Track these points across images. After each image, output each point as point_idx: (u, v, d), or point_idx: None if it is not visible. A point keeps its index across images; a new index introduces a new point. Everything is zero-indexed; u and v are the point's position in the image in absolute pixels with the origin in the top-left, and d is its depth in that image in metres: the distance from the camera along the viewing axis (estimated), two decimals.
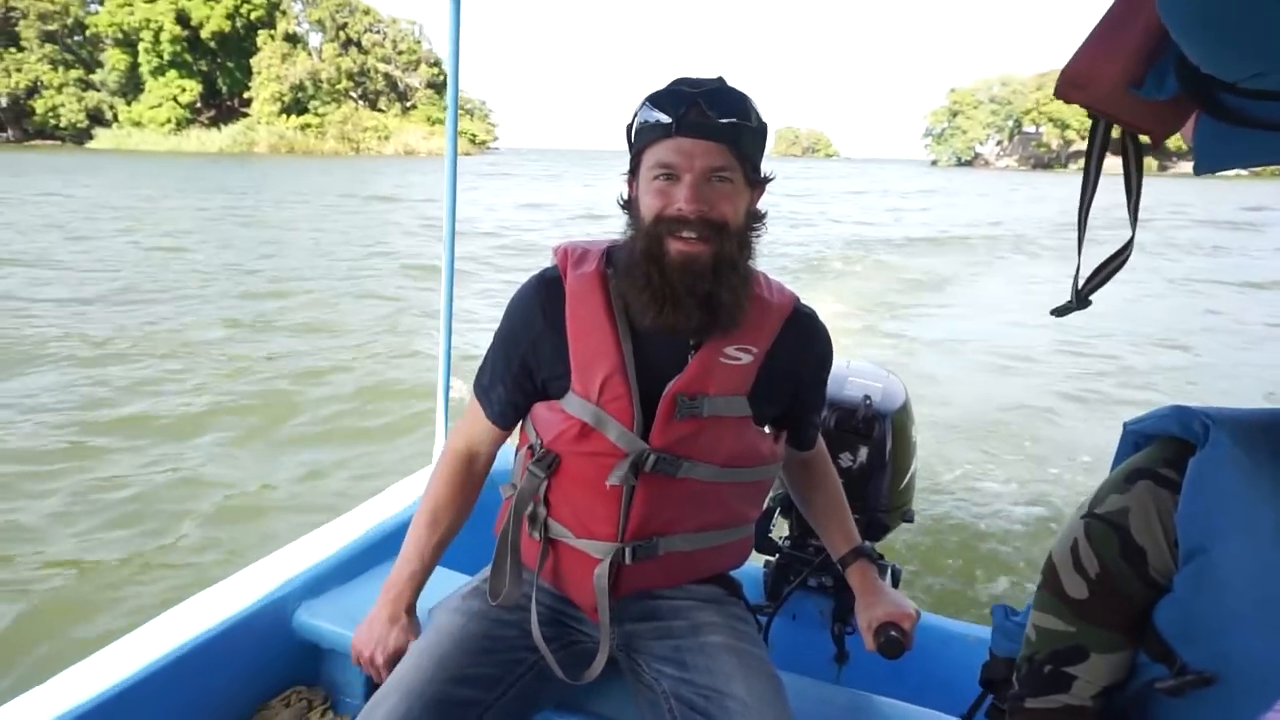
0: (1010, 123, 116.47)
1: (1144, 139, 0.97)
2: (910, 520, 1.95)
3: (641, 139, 1.21)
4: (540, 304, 1.28)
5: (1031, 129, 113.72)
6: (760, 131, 1.22)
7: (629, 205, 1.25)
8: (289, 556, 1.67)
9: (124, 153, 59.54)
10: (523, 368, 1.30)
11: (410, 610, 1.41)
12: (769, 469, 1.35)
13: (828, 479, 1.53)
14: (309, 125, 73.36)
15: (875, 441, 1.83)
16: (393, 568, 1.42)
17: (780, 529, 1.95)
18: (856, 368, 1.98)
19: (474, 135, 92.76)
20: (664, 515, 1.27)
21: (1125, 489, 0.97)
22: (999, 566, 3.88)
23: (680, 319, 1.17)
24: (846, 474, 1.74)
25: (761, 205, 1.29)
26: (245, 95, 75.14)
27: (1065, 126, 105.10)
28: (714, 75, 1.22)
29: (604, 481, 1.22)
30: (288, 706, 1.57)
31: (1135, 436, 1.04)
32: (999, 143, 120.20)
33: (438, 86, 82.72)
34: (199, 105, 72.60)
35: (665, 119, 1.17)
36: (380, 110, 79.44)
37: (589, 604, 1.31)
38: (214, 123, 73.46)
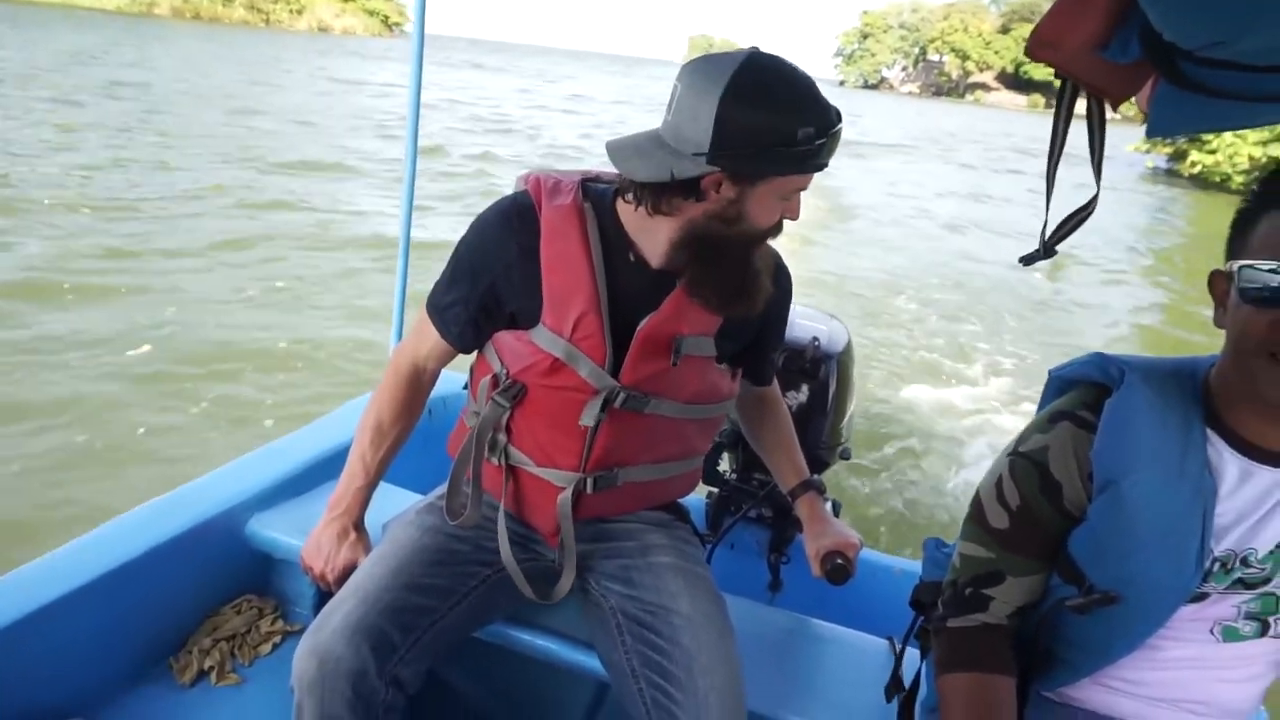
0: (916, 49, 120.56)
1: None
2: (847, 458, 2.04)
3: (783, 164, 1.11)
4: (513, 232, 1.24)
5: (935, 57, 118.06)
6: None
7: (698, 190, 1.13)
8: (242, 469, 1.70)
9: (12, 1, 55.45)
10: (489, 293, 1.26)
11: (359, 525, 1.43)
12: (726, 405, 1.38)
13: (780, 414, 1.56)
14: None
15: (820, 381, 1.92)
16: (337, 484, 1.43)
17: (724, 463, 2.05)
18: (801, 310, 2.02)
19: (385, 16, 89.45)
20: (626, 448, 1.29)
21: (1047, 429, 1.03)
22: (926, 503, 4.22)
23: (744, 306, 1.22)
24: (791, 412, 1.77)
25: None
26: None
27: (965, 58, 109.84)
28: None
29: (570, 415, 1.23)
30: (238, 614, 1.60)
31: (1059, 382, 1.11)
32: (904, 68, 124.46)
33: None
34: None
35: (821, 162, 1.13)
36: None
37: (548, 529, 1.33)
38: None
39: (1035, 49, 0.94)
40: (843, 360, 1.96)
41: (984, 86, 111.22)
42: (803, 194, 1.19)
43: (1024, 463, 1.04)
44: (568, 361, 1.21)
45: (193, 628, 1.55)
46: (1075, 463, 1.01)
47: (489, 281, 1.25)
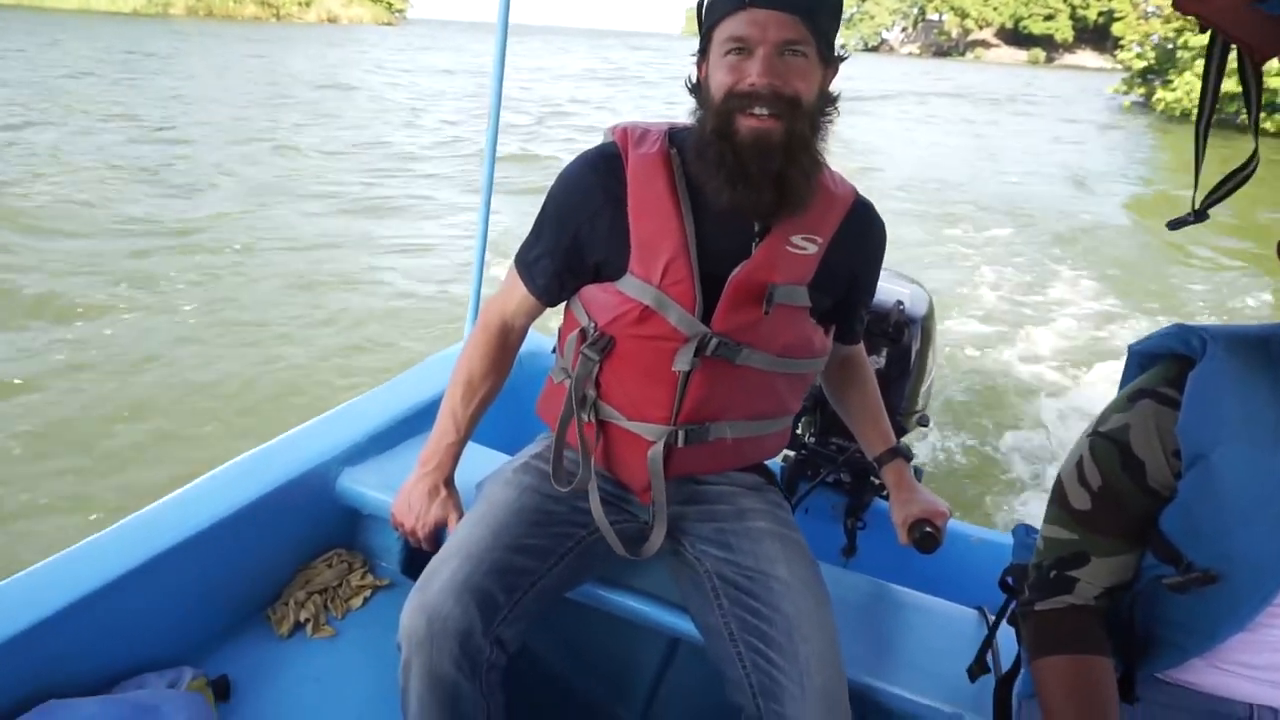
0: (915, 10, 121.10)
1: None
2: (926, 424, 2.02)
3: (713, 14, 1.16)
4: (600, 180, 1.24)
5: (935, 16, 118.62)
6: (837, 6, 1.20)
7: (698, 88, 1.21)
8: (330, 424, 1.72)
9: (29, 8, 57.48)
10: (575, 243, 1.26)
11: (449, 482, 1.44)
12: (818, 361, 1.35)
13: (867, 378, 1.54)
14: None
15: (902, 346, 1.89)
16: (428, 439, 1.44)
17: (801, 426, 2.03)
18: (892, 277, 2.00)
19: (390, 3, 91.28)
20: (718, 401, 1.27)
21: (1128, 408, 1.00)
22: (1005, 473, 4.17)
23: (751, 198, 1.16)
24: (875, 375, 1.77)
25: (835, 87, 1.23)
26: None
27: (965, 15, 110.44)
28: None
29: (660, 365, 1.22)
30: (330, 567, 1.63)
31: (1139, 358, 1.07)
32: (904, 29, 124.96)
33: None
34: None
35: None
36: None
37: (639, 485, 1.33)
38: None
39: (1184, 1, 0.88)
40: (925, 325, 1.94)
41: (984, 44, 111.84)
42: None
43: (1104, 443, 1.01)
44: (657, 309, 1.19)
45: (286, 580, 1.59)
46: (1159, 440, 0.96)
47: (574, 231, 1.26)
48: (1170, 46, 24.58)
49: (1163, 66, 25.70)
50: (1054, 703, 1.00)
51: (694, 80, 1.23)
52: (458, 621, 1.13)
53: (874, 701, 1.31)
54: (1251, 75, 0.95)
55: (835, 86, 1.24)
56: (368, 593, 1.63)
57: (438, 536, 1.39)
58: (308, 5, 75.08)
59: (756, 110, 1.12)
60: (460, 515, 1.41)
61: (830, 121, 1.22)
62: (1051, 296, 7.53)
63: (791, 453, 1.99)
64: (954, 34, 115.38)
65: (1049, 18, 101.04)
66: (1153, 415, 0.98)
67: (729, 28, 1.14)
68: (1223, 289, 8.18)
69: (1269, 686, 1.01)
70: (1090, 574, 1.04)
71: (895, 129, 20.21)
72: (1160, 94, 24.63)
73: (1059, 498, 1.07)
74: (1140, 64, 27.79)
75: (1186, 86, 22.38)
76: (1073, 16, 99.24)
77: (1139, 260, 9.21)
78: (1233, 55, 0.97)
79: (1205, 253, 9.34)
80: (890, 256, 1.45)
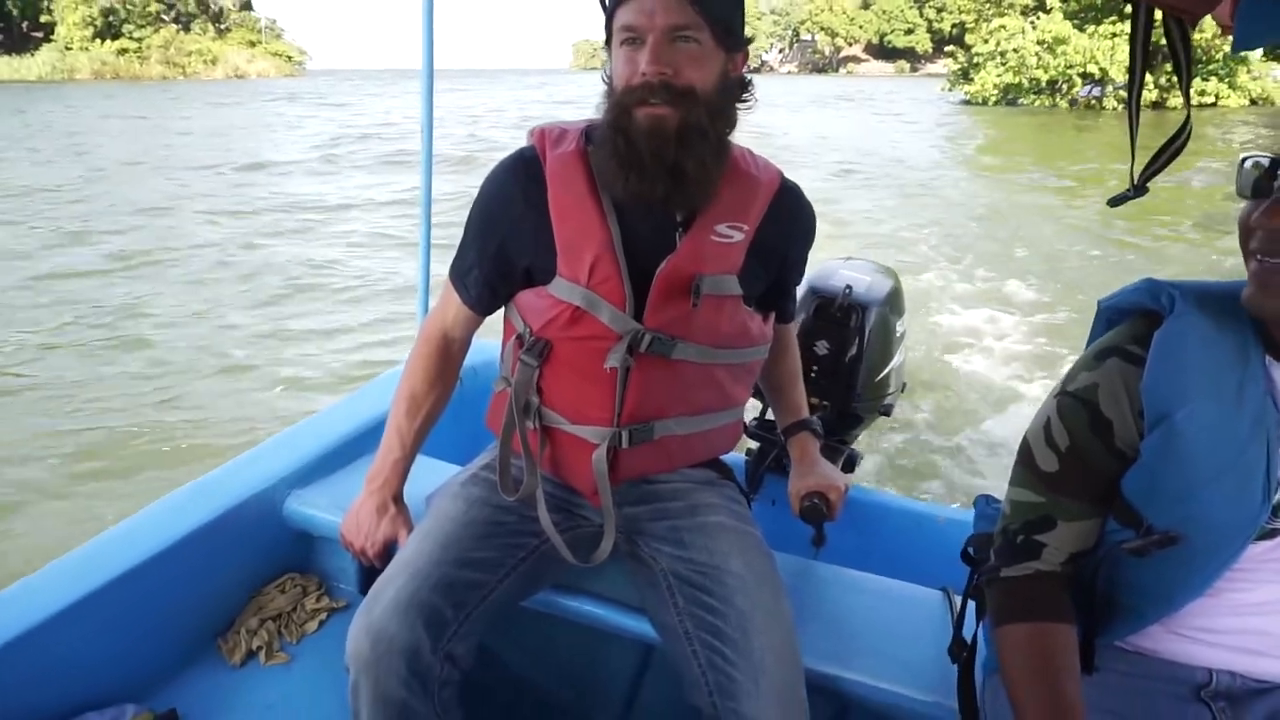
0: (790, 32, 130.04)
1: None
2: (888, 414, 1.98)
3: (612, 3, 1.16)
4: (519, 185, 1.24)
5: (808, 37, 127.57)
6: None
7: (608, 80, 1.20)
8: (277, 446, 1.69)
9: None
10: (501, 251, 1.26)
11: (398, 499, 1.42)
12: (759, 349, 1.35)
13: (788, 352, 1.54)
14: (126, 50, 73.16)
15: (851, 331, 1.85)
16: (374, 457, 1.42)
17: (749, 412, 1.92)
18: (852, 263, 2.00)
19: (289, 56, 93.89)
20: (658, 398, 1.27)
21: (1095, 366, 0.98)
22: (982, 454, 4.18)
23: (645, 187, 1.14)
24: (820, 361, 1.75)
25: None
26: (41, 20, 73.40)
27: (834, 34, 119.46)
28: None
29: (597, 366, 1.21)
30: (283, 592, 1.59)
31: (1108, 313, 1.05)
32: (781, 50, 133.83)
33: (249, 6, 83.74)
34: None
35: None
36: (196, 33, 79.69)
37: (588, 488, 1.31)
38: (5, 50, 71.64)
39: None
40: (880, 310, 1.88)
41: (855, 59, 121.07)
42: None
43: (1072, 402, 0.99)
44: (588, 309, 1.19)
45: (239, 608, 1.55)
46: (1127, 398, 0.95)
47: (500, 238, 1.25)
48: (976, 57, 31.17)
49: (967, 69, 32.37)
50: (1014, 670, 0.98)
51: (606, 71, 1.21)
52: (403, 640, 1.11)
53: (835, 691, 1.29)
54: (1179, 41, 0.92)
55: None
56: (323, 616, 1.58)
57: (389, 554, 1.35)
58: (213, 63, 77.33)
59: (651, 101, 1.11)
60: (410, 531, 1.38)
61: (747, 107, 1.23)
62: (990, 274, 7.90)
63: (755, 444, 1.93)
64: (827, 51, 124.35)
65: (909, 32, 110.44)
66: (1119, 374, 0.96)
67: (621, 16, 1.13)
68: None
69: (1228, 651, 0.99)
70: (1057, 539, 1.01)
71: (810, 121, 25.82)
72: (965, 87, 31.55)
73: (1025, 459, 1.03)
74: (957, 67, 34.99)
75: (982, 80, 28.89)
76: (930, 30, 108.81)
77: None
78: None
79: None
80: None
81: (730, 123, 1.22)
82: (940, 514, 1.88)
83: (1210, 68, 25.53)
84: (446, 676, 1.15)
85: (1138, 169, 1.00)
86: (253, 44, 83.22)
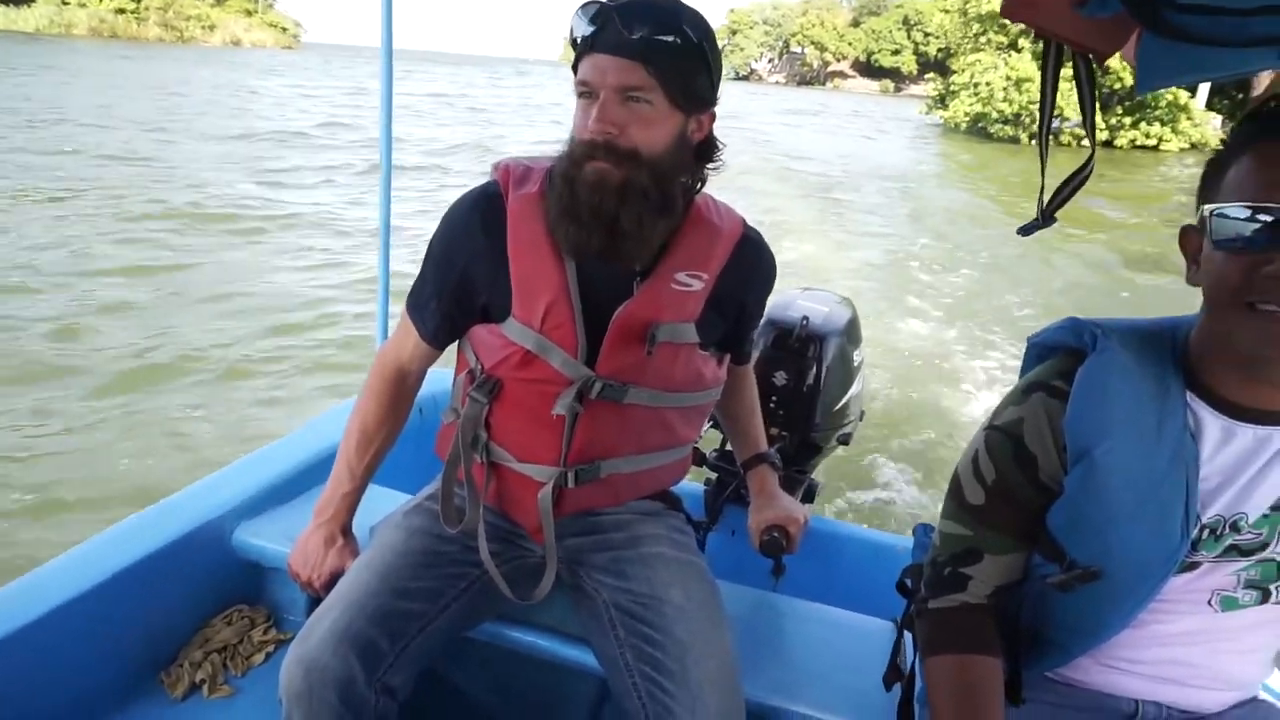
0: (780, 43, 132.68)
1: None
2: (846, 443, 1.99)
3: (575, 55, 1.17)
4: (480, 222, 1.24)
5: (798, 49, 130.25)
6: (693, 50, 1.16)
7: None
8: (227, 477, 1.67)
9: None
10: (460, 285, 1.26)
11: (346, 530, 1.42)
12: (710, 393, 1.36)
13: (745, 386, 1.56)
14: (124, 10, 73.51)
15: (809, 361, 1.87)
16: (324, 489, 1.42)
17: (709, 443, 1.94)
18: (810, 294, 2.02)
19: (285, 28, 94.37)
20: (607, 440, 1.27)
21: (1021, 401, 1.00)
22: (940, 481, 4.00)
23: (582, 238, 1.15)
24: (779, 392, 1.76)
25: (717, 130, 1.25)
26: None
27: (824, 49, 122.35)
28: None
29: (545, 409, 1.21)
30: (229, 625, 1.58)
31: (1037, 349, 1.07)
32: (770, 60, 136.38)
33: None
34: None
35: (586, 31, 1.14)
36: None
37: (532, 525, 1.32)
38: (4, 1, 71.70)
39: (1012, 9, 0.91)
40: (838, 341, 1.91)
41: (841, 74, 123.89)
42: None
43: (999, 436, 1.01)
44: (539, 353, 1.19)
45: (184, 640, 1.53)
46: (1050, 434, 0.97)
47: (458, 274, 1.26)
48: (953, 86, 33.67)
49: (944, 95, 34.90)
50: (939, 700, 1.00)
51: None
52: (336, 672, 1.10)
53: None
54: (1085, 78, 0.95)
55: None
56: (271, 648, 1.56)
57: (334, 586, 1.31)
58: (211, 29, 77.84)
59: (597, 157, 1.12)
60: None
61: (715, 168, 1.25)
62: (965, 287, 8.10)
63: (713, 476, 1.95)
64: (815, 65, 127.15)
65: (895, 52, 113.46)
66: (1044, 409, 0.97)
67: (580, 69, 1.15)
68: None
69: (1153, 681, 1.01)
70: (983, 572, 1.03)
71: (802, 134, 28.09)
72: (940, 112, 34.34)
73: (955, 492, 1.05)
74: (935, 94, 37.64)
75: (955, 107, 32.07)
76: (915, 52, 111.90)
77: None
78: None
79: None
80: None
81: (689, 181, 1.22)
82: (898, 544, 1.89)
83: (1156, 113, 27.89)
84: (383, 709, 1.14)
85: (1047, 199, 0.99)
86: (249, 12, 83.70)
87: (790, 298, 1.99)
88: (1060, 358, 1.02)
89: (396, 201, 2.05)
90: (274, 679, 1.40)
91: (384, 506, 1.48)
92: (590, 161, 1.14)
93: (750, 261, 1.33)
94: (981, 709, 0.98)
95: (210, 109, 20.36)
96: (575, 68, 1.17)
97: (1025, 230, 1.04)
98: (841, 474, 4.24)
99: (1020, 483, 1.01)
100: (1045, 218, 1.01)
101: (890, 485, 4.30)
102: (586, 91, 1.15)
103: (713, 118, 1.23)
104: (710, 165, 1.26)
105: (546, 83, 53.23)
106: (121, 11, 73.00)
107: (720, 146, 1.26)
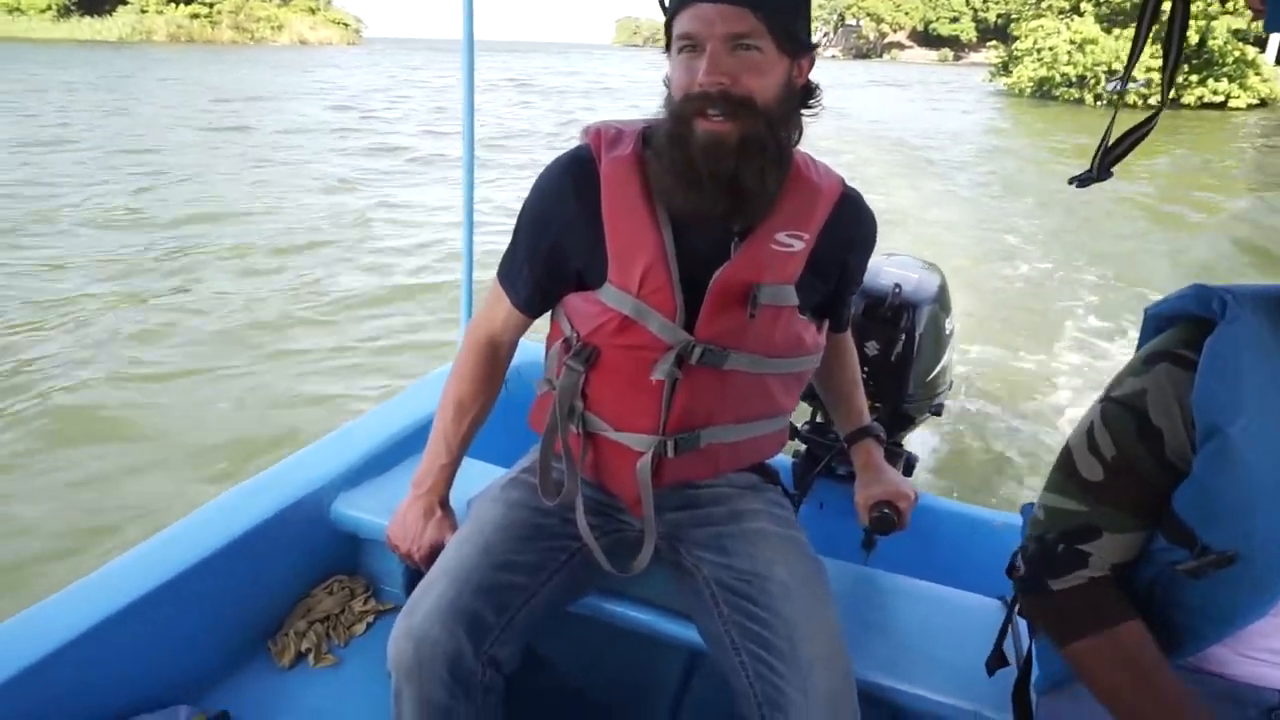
0: (835, 16, 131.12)
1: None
2: (938, 413, 1.97)
3: (671, 9, 1.14)
4: (573, 186, 1.22)
5: (853, 22, 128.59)
6: None
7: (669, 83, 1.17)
8: (324, 449, 1.72)
9: (15, 40, 60.81)
10: (553, 252, 1.25)
11: (444, 502, 1.44)
12: (811, 359, 1.32)
13: (846, 358, 1.52)
14: (199, 14, 76.51)
15: (903, 330, 1.83)
16: (420, 460, 1.44)
17: (799, 416, 1.85)
18: (896, 259, 1.99)
19: (347, 24, 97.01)
20: (707, 407, 1.25)
21: (1143, 371, 0.94)
22: (1033, 461, 4.04)
23: (704, 203, 1.13)
24: (871, 362, 1.72)
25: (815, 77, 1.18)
26: None
27: (880, 20, 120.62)
28: None
29: (644, 375, 1.20)
30: (331, 595, 1.62)
31: (1156, 320, 1.01)
32: (826, 34, 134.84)
33: None
34: None
35: None
36: None
37: (630, 496, 1.31)
38: (85, 11, 75.15)
39: None
40: (931, 309, 1.87)
41: (899, 45, 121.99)
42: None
43: (1118, 409, 0.95)
44: (636, 318, 1.18)
45: (287, 610, 1.58)
46: (1178, 408, 0.91)
47: (551, 241, 1.24)
48: (1016, 52, 34.23)
49: (1007, 62, 35.42)
50: (1102, 684, 0.94)
51: (667, 75, 1.18)
52: (445, 646, 1.12)
53: (888, 702, 1.27)
54: (1178, 26, 0.89)
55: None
56: (371, 618, 1.60)
57: (435, 558, 1.33)
58: (279, 29, 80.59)
59: (710, 112, 1.09)
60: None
61: (813, 114, 1.20)
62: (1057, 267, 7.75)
63: (803, 447, 1.93)
64: (871, 37, 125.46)
65: (954, 20, 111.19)
66: (1169, 380, 0.92)
67: (680, 23, 1.11)
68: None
69: None
70: (1102, 548, 0.97)
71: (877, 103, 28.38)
72: (1004, 79, 34.90)
73: (1066, 466, 1.00)
74: (998, 61, 37.92)
75: (1020, 73, 32.61)
76: (975, 19, 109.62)
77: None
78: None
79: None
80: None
81: (794, 132, 1.18)
82: (993, 519, 1.85)
83: (1224, 69, 27.79)
84: (490, 681, 1.16)
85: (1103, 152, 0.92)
86: (312, 10, 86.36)
87: (877, 264, 1.92)
88: (1184, 325, 0.96)
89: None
90: (375, 649, 1.46)
91: (475, 478, 1.51)
92: (699, 118, 1.10)
93: (851, 221, 1.29)
94: (1153, 674, 0.92)
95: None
96: (671, 21, 1.14)
97: (1078, 181, 1.00)
98: (928, 445, 4.16)
99: (1144, 459, 0.94)
100: (1101, 169, 0.95)
101: (977, 457, 4.13)
102: (690, 44, 1.10)
103: (812, 62, 1.19)
104: (808, 112, 1.22)
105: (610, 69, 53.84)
106: (196, 16, 76.10)
107: (817, 92, 1.22)
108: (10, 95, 20.00)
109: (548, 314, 1.36)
